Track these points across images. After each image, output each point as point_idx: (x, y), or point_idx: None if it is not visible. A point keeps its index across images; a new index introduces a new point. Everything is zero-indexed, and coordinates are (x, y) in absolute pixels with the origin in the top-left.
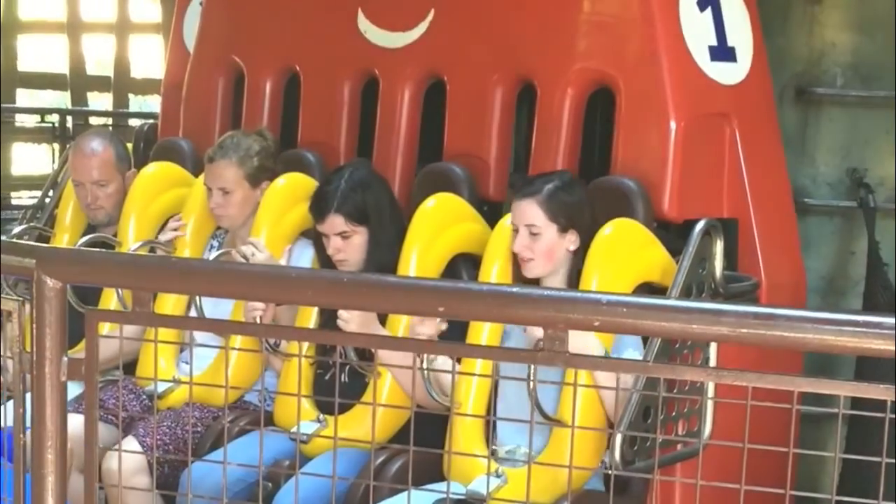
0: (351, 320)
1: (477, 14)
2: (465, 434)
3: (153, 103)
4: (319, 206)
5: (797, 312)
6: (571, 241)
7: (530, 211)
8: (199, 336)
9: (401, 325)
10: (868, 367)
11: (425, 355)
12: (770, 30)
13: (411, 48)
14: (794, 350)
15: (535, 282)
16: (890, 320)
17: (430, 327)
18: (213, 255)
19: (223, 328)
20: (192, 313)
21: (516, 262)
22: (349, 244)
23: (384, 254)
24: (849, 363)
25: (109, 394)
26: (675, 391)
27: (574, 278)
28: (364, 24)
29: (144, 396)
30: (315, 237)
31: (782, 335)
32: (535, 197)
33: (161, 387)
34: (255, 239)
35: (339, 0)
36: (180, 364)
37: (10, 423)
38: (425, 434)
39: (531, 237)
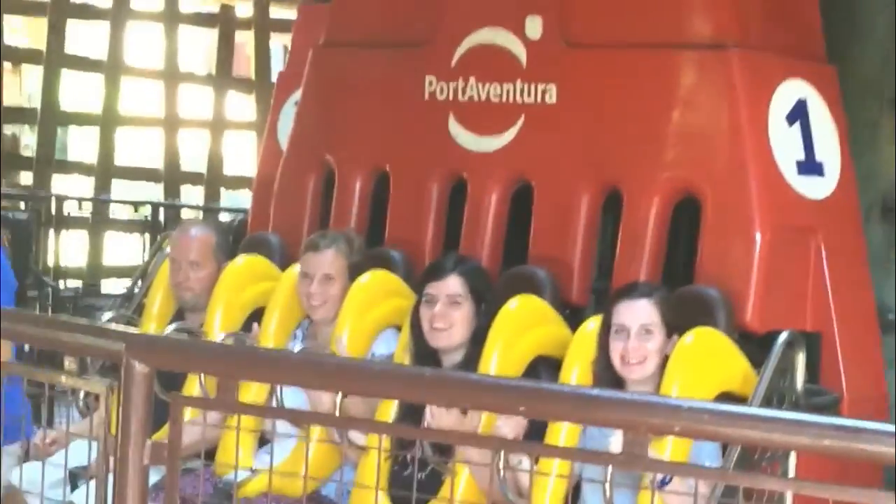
0: (443, 417)
1: (566, 121)
2: None
3: (243, 199)
4: (437, 267)
5: (880, 426)
6: (670, 347)
7: (647, 310)
8: (279, 426)
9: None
10: None
11: (502, 454)
12: (858, 146)
13: (501, 152)
14: (875, 464)
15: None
16: None
17: (512, 426)
18: (297, 345)
19: (303, 418)
20: (272, 404)
21: (606, 368)
22: (453, 314)
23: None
24: None
25: (186, 481)
26: (752, 503)
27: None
28: (455, 128)
29: (222, 485)
30: (413, 318)
31: (864, 448)
32: (651, 297)
33: (239, 476)
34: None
35: (432, 103)
36: (259, 454)
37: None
38: None
39: (644, 336)
